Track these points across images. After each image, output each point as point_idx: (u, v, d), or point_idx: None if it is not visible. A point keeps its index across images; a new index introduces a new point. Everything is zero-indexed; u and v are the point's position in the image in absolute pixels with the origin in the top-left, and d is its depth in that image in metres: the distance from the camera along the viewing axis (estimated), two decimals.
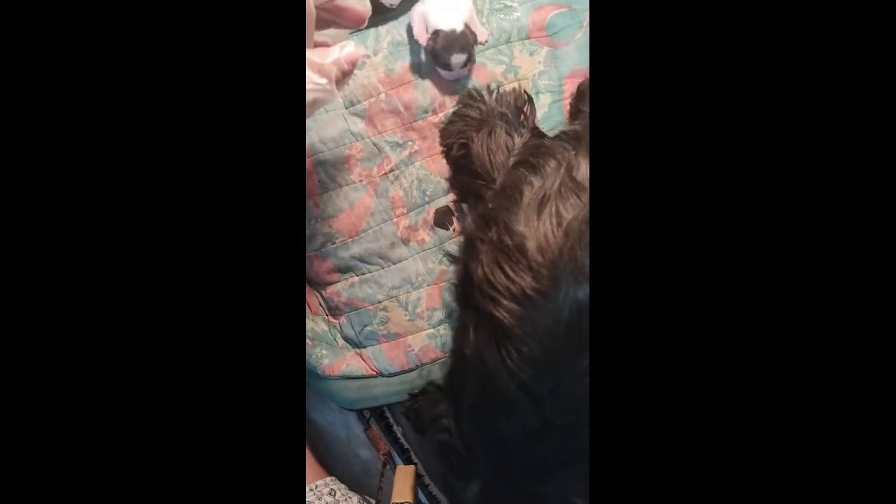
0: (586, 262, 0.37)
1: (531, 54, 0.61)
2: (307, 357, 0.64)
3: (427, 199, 0.62)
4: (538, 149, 0.48)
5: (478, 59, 0.61)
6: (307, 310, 0.66)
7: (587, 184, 0.40)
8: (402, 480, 0.61)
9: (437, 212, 0.63)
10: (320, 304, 0.65)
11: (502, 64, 0.61)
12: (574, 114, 0.60)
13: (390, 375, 0.63)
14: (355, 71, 0.61)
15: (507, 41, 0.61)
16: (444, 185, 0.62)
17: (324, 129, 0.61)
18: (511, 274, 0.39)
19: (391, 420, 0.67)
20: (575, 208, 0.39)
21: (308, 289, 0.66)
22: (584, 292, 0.37)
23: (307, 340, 0.64)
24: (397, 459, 0.67)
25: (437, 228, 0.63)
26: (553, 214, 0.40)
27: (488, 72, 0.61)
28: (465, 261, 0.47)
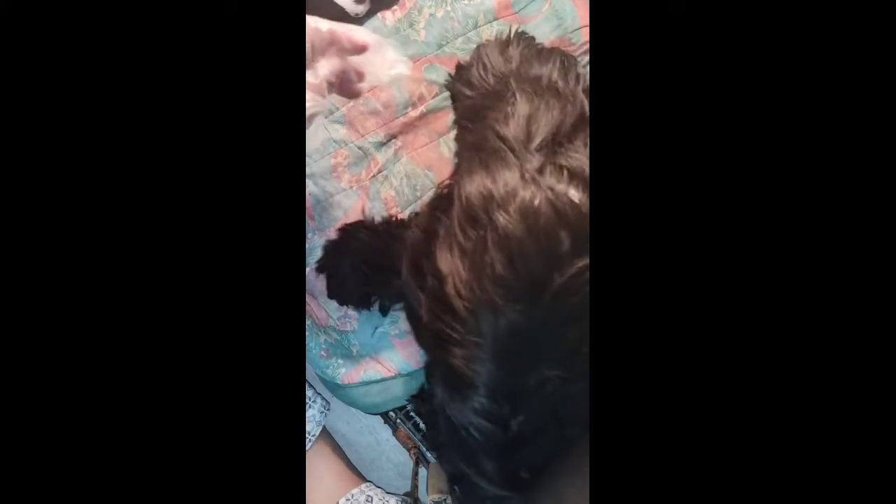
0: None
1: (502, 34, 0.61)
2: (325, 369, 0.64)
3: (418, 194, 0.62)
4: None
5: (448, 49, 0.61)
6: (317, 323, 0.66)
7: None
8: (437, 477, 0.61)
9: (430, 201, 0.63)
10: (329, 316, 0.65)
11: None
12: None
13: (409, 374, 0.63)
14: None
15: (475, 26, 0.60)
16: (433, 177, 0.62)
17: (307, 141, 0.61)
18: None
19: (417, 418, 0.67)
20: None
21: (315, 302, 0.66)
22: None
23: (322, 352, 0.64)
24: (429, 457, 0.67)
25: None
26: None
27: (461, 60, 0.60)
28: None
